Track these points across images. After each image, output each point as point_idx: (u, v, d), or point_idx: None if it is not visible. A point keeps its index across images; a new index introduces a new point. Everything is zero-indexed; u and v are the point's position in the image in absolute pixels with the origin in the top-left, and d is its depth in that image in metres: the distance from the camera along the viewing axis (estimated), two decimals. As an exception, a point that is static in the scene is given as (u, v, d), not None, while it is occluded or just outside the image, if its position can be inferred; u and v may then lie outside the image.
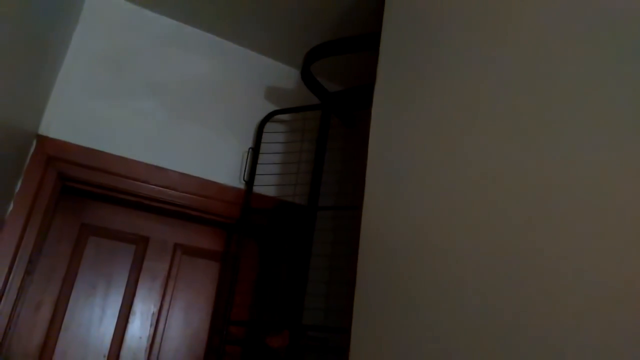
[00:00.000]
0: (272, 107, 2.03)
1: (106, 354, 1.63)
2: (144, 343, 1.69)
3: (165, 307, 1.75)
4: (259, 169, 1.92)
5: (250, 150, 1.94)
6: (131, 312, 1.69)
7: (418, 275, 1.07)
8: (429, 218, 1.09)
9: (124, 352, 1.65)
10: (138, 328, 1.69)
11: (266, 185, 1.92)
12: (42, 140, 1.58)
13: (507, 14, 1.07)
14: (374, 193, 1.29)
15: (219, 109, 1.93)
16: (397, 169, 1.24)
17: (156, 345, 1.70)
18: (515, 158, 0.93)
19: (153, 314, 1.73)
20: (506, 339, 0.84)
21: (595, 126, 0.81)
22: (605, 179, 0.77)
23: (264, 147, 1.95)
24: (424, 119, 1.21)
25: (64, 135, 1.62)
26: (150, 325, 1.71)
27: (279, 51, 2.05)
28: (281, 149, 2.01)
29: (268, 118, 1.98)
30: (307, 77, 1.80)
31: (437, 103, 1.19)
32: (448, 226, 1.03)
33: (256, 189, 1.89)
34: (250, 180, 1.87)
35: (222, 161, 1.87)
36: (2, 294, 1.41)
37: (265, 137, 1.97)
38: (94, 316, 1.65)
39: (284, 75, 2.11)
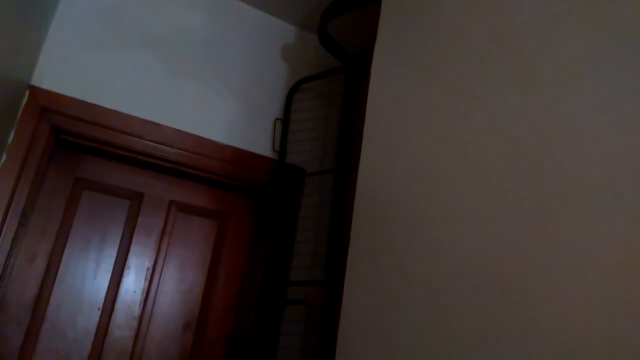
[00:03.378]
0: (268, 64, 2.00)
1: (100, 307, 1.64)
2: (138, 297, 1.70)
3: (160, 262, 1.76)
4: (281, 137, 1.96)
5: (278, 121, 1.95)
6: (125, 266, 1.70)
7: (412, 233, 1.07)
8: (426, 177, 1.08)
9: (118, 305, 1.67)
10: (132, 282, 1.71)
11: (295, 152, 1.96)
12: (35, 91, 1.55)
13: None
14: (371, 151, 1.28)
15: (216, 65, 1.89)
16: (395, 127, 1.22)
17: (150, 299, 1.72)
18: (518, 117, 0.92)
19: (147, 268, 1.74)
20: (497, 292, 0.85)
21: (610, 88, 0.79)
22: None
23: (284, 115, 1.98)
24: (424, 77, 1.19)
25: (58, 86, 1.59)
26: (145, 280, 1.73)
27: (276, 7, 2.01)
28: (306, 116, 2.01)
29: (296, 87, 1.97)
30: (324, 38, 1.76)
31: (438, 62, 1.16)
32: (444, 186, 1.03)
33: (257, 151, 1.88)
34: (282, 150, 1.90)
35: (218, 119, 1.85)
36: (-4, 245, 1.42)
37: (293, 105, 1.99)
38: (89, 269, 1.65)
39: (281, 31, 2.07)
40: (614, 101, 0.76)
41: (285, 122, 1.95)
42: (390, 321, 1.04)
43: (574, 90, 0.83)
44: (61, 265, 1.62)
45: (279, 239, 1.84)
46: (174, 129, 1.75)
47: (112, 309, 1.66)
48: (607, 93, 0.77)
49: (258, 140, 1.91)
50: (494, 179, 0.92)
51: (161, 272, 1.76)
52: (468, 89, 1.04)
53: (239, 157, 1.85)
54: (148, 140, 1.70)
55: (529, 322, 0.78)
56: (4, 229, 1.44)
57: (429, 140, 1.10)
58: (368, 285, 1.13)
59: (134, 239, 1.74)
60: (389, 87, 1.29)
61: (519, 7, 0.99)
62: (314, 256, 1.87)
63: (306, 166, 1.95)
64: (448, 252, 0.96)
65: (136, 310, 1.69)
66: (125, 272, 1.70)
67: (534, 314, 0.78)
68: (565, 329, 0.73)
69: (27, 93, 1.54)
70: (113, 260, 1.70)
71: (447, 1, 1.20)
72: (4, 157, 1.46)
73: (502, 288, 0.84)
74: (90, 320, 1.62)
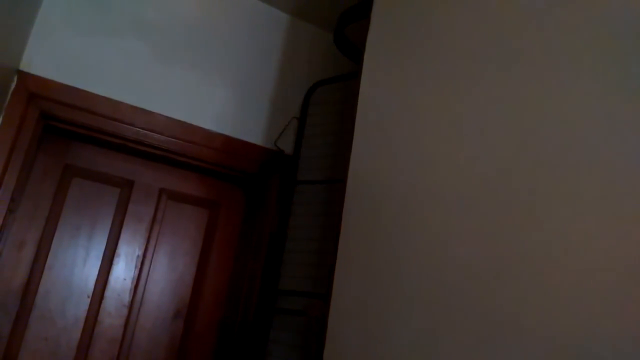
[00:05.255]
0: (260, 52, 1.98)
1: (90, 294, 1.64)
2: (129, 284, 1.70)
3: (150, 250, 1.75)
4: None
5: (295, 120, 1.94)
6: (115, 254, 1.69)
7: (402, 243, 1.06)
8: (415, 185, 1.08)
9: (108, 293, 1.66)
10: (122, 270, 1.70)
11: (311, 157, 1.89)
12: (24, 76, 1.53)
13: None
14: (360, 158, 1.26)
15: (207, 52, 1.88)
16: (387, 125, 1.22)
17: (141, 287, 1.71)
18: (510, 115, 0.92)
19: (138, 256, 1.73)
20: (490, 300, 0.85)
21: (598, 83, 0.80)
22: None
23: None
24: (417, 74, 1.19)
25: (47, 72, 1.57)
26: (135, 268, 1.72)
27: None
28: (323, 119, 1.96)
29: (313, 89, 1.95)
30: (341, 42, 1.73)
31: (430, 61, 1.16)
32: (437, 185, 1.03)
33: (246, 139, 1.88)
34: (296, 151, 1.89)
35: (209, 107, 1.84)
36: (-16, 231, 1.40)
37: (311, 107, 1.96)
38: (78, 257, 1.64)
39: (274, 20, 2.05)
40: (608, 97, 0.77)
41: (301, 122, 1.93)
42: (379, 329, 1.04)
43: (567, 86, 0.83)
44: (50, 253, 1.61)
45: (270, 238, 1.82)
46: (165, 116, 1.74)
47: (102, 297, 1.65)
48: (601, 89, 0.78)
49: (249, 129, 1.90)
50: (486, 175, 0.92)
51: (151, 260, 1.75)
52: (460, 88, 1.04)
53: (230, 146, 1.84)
54: (138, 127, 1.69)
55: (517, 312, 0.79)
56: (-8, 215, 1.43)
57: (421, 138, 1.10)
58: (356, 297, 1.13)
59: (124, 227, 1.73)
60: (381, 83, 1.29)
61: (509, 6, 0.99)
62: (317, 268, 1.75)
63: (318, 173, 1.89)
64: (440, 257, 0.96)
65: (126, 298, 1.69)
66: (115, 259, 1.69)
67: (523, 305, 0.79)
68: (554, 320, 0.74)
69: (15, 78, 1.52)
70: (103, 247, 1.69)
71: (436, 3, 1.20)
72: (-8, 142, 1.44)
73: (500, 292, 0.84)
74: (79, 307, 1.62)
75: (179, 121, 1.76)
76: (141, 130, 1.69)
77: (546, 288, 0.76)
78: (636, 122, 0.71)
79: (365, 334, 1.06)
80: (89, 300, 1.63)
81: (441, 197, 1.00)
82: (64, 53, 1.62)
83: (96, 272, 1.66)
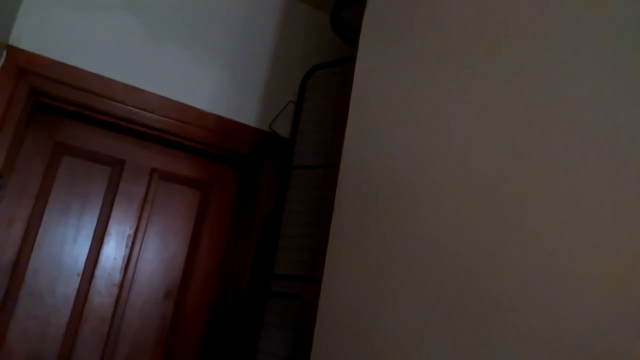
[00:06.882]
0: (253, 31, 1.95)
1: (80, 273, 1.63)
2: (119, 263, 1.69)
3: (142, 230, 1.75)
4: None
5: (292, 103, 1.91)
6: (106, 233, 1.69)
7: (392, 228, 1.06)
8: (407, 171, 1.08)
9: (99, 272, 1.66)
10: (113, 249, 1.69)
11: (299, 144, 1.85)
12: (13, 51, 1.50)
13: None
14: (353, 142, 1.26)
15: (200, 30, 1.85)
16: (380, 110, 1.21)
17: (131, 267, 1.71)
18: (504, 107, 0.91)
19: (129, 236, 1.72)
20: (480, 291, 0.86)
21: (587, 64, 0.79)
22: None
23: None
24: (410, 58, 1.18)
25: (37, 47, 1.54)
26: (126, 247, 1.71)
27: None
28: (318, 104, 1.94)
29: (310, 73, 1.92)
30: (338, 25, 1.69)
31: (424, 48, 1.15)
32: (426, 179, 1.02)
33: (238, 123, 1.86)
34: (293, 135, 1.87)
35: (202, 86, 1.82)
36: (-27, 208, 1.39)
37: (306, 91, 1.93)
38: (68, 235, 1.63)
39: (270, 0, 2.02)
40: (602, 87, 0.76)
41: (298, 106, 1.91)
42: (368, 313, 1.04)
43: (559, 75, 0.83)
44: (40, 231, 1.59)
45: (263, 220, 1.83)
46: (157, 95, 1.71)
47: (92, 276, 1.65)
48: (594, 78, 0.77)
49: (243, 110, 1.88)
50: (480, 163, 0.92)
51: (142, 240, 1.74)
52: (457, 74, 1.03)
53: (223, 126, 1.82)
54: (130, 106, 1.67)
55: (500, 295, 0.80)
56: (-19, 192, 1.41)
57: (414, 124, 1.10)
58: (347, 273, 1.13)
59: (114, 206, 1.72)
60: (376, 67, 1.27)
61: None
62: (312, 252, 1.73)
63: (314, 158, 1.86)
64: (430, 243, 0.96)
65: (117, 277, 1.68)
66: (106, 238, 1.68)
67: (507, 290, 0.79)
68: (548, 315, 0.74)
69: (4, 53, 1.49)
70: (93, 226, 1.68)
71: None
72: (-19, 118, 1.41)
73: (486, 280, 0.85)
74: (69, 286, 1.61)
75: (172, 100, 1.74)
76: (133, 108, 1.67)
77: (539, 281, 0.76)
78: (635, 117, 0.70)
79: (354, 317, 1.07)
80: (79, 278, 1.63)
81: (433, 184, 0.99)
82: (55, 28, 1.59)
83: (86, 251, 1.66)
